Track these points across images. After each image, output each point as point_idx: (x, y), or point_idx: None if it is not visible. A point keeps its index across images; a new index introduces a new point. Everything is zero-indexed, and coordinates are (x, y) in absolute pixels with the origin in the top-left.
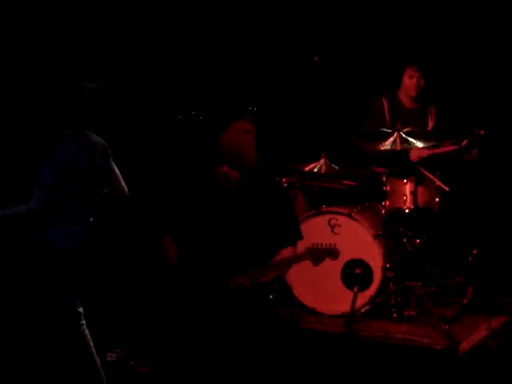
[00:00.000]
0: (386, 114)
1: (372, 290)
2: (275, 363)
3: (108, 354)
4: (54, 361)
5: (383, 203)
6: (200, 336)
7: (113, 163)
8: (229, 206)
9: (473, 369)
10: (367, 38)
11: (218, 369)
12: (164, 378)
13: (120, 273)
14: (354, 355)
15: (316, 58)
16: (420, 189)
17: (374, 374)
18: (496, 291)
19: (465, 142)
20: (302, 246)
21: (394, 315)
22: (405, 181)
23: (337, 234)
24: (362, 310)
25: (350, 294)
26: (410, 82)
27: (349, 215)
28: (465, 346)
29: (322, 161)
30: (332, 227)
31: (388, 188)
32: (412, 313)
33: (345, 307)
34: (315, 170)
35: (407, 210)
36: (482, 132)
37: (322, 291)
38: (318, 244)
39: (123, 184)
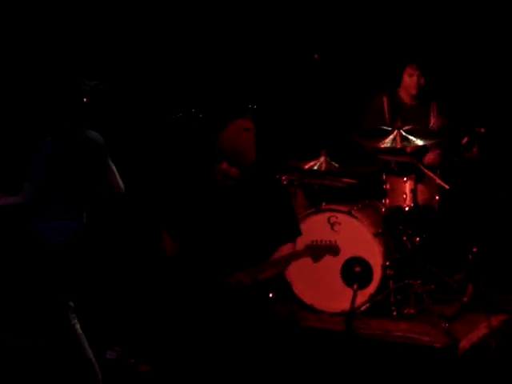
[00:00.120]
0: (386, 112)
1: (372, 288)
2: (275, 361)
3: (108, 352)
4: (50, 357)
5: (383, 201)
6: (200, 333)
7: (109, 161)
8: (228, 203)
9: (473, 367)
10: (367, 35)
11: (218, 366)
12: (164, 376)
13: (119, 270)
14: (354, 353)
15: (316, 56)
16: (420, 187)
17: (373, 372)
18: (496, 289)
19: (465, 140)
20: (301, 244)
21: (394, 313)
22: (405, 179)
23: (337, 231)
24: (362, 308)
25: (349, 292)
26: (410, 80)
27: (349, 213)
28: (465, 344)
29: (322, 158)
30: (332, 225)
31: (388, 186)
32: (412, 311)
33: (345, 305)
34: (315, 167)
35: (407, 208)
36: (483, 130)
37: (321, 289)
38: (317, 241)
39: (119, 182)
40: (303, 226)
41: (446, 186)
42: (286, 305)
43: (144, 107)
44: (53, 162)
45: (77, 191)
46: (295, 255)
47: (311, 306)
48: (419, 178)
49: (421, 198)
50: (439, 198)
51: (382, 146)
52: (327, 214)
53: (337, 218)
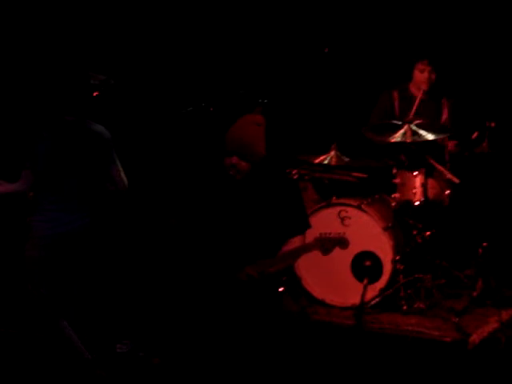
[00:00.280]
0: (396, 107)
1: (382, 282)
2: (284, 355)
3: (118, 346)
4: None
5: (393, 195)
6: (209, 327)
7: (114, 155)
8: (238, 197)
9: (483, 361)
10: (378, 29)
11: (227, 360)
12: (173, 369)
13: (128, 265)
14: (364, 347)
15: (326, 50)
16: (430, 181)
17: (383, 366)
18: (506, 284)
19: (475, 135)
20: (311, 237)
21: (404, 307)
22: (415, 173)
23: (347, 225)
24: (372, 303)
25: (359, 286)
26: (421, 76)
27: (359, 207)
28: (475, 338)
29: (333, 153)
30: (342, 219)
31: (398, 180)
32: (422, 305)
33: (355, 299)
34: (325, 161)
35: (417, 203)
36: (493, 124)
37: (331, 283)
38: (326, 233)
39: (123, 177)
40: (313, 220)
41: (456, 180)
42: (295, 299)
43: (154, 101)
44: (50, 152)
45: (78, 185)
46: (305, 248)
47: (321, 301)
48: (429, 173)
49: (431, 193)
50: (449, 192)
51: (392, 141)
52: (337, 208)
53: (347, 212)
